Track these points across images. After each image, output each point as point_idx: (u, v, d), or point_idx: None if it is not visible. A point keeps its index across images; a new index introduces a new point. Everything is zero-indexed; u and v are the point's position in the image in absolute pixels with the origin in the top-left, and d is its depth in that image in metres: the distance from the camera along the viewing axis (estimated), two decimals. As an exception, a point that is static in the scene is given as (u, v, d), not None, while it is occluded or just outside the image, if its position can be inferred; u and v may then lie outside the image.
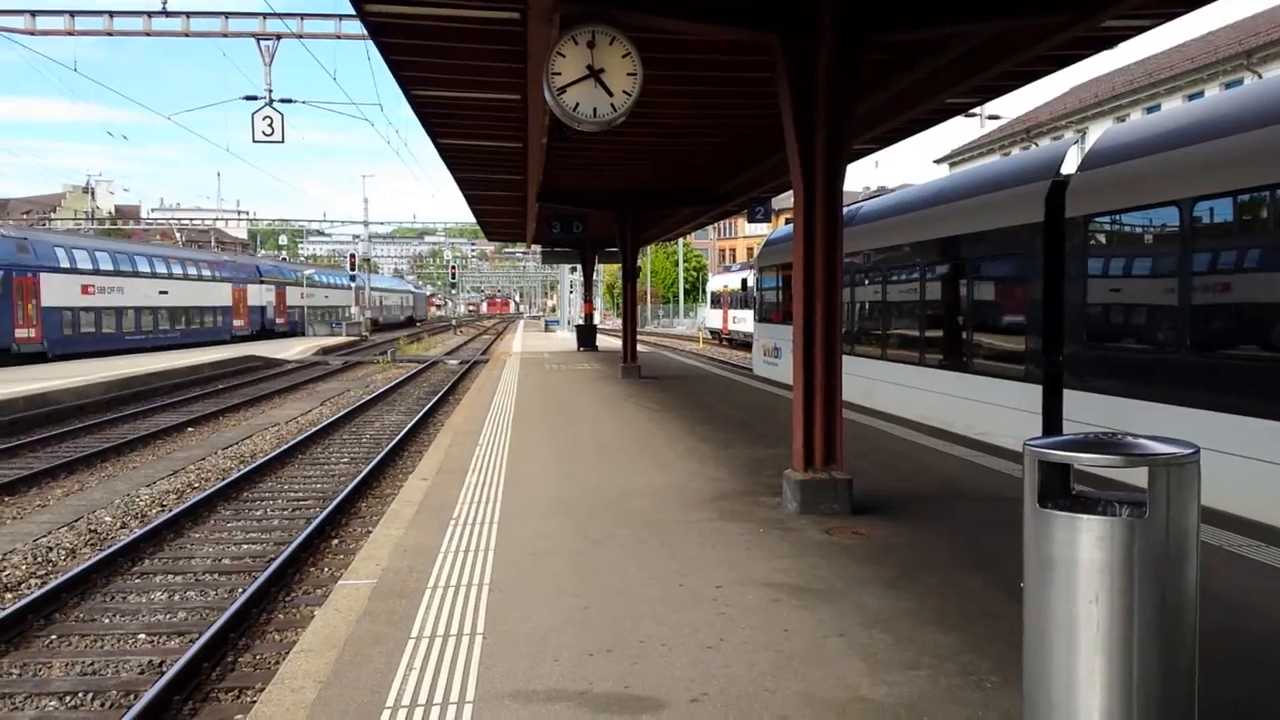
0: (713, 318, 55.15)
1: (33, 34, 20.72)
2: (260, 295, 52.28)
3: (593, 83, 7.25)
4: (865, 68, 8.05)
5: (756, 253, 27.53)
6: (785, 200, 29.62)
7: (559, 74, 7.21)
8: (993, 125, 46.38)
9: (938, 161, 59.48)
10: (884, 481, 8.93)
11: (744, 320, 39.28)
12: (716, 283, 56.11)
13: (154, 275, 40.97)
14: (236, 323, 48.78)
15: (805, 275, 7.79)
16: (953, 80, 10.23)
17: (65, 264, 34.22)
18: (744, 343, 38.86)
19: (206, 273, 46.48)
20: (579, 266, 39.88)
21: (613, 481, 9.21)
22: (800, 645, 4.85)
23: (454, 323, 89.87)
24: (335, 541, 9.85)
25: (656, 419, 13.91)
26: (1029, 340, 10.99)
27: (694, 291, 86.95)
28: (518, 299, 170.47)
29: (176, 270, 43.28)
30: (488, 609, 5.59)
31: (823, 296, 7.76)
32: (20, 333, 31.00)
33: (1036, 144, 45.27)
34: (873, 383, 15.24)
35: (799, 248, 7.81)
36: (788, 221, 38.11)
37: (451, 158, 16.94)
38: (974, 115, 36.53)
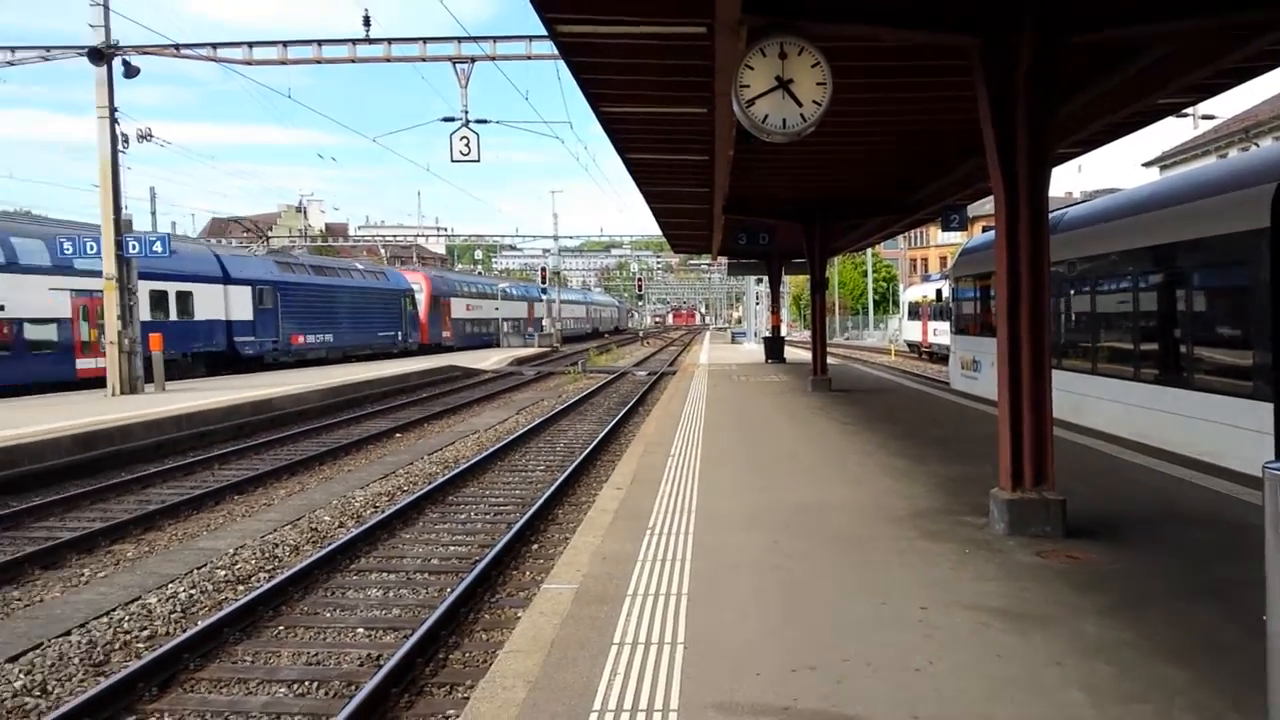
0: (910, 329, 53.43)
1: (250, 64, 22.36)
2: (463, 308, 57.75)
3: (781, 94, 7.24)
4: (1067, 69, 7.69)
5: (951, 262, 26.67)
6: (980, 207, 28.60)
7: (747, 86, 7.23)
8: (1207, 125, 43.39)
9: (1147, 165, 56.11)
10: (1098, 502, 8.48)
11: (946, 332, 38.30)
12: (914, 293, 54.39)
13: (494, 296, 62.19)
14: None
15: (1009, 285, 7.50)
16: (1162, 80, 9.65)
17: (460, 290, 54.39)
18: (943, 356, 37.57)
19: (515, 292, 67.20)
20: (765, 278, 39.66)
21: (807, 495, 9.12)
22: (1015, 672, 4.67)
23: (640, 334, 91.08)
24: (535, 546, 10.16)
25: (849, 433, 13.69)
26: (1256, 354, 10.21)
27: (883, 303, 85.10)
28: (703, 310, 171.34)
29: (504, 291, 64.20)
30: (688, 619, 5.64)
31: (1028, 307, 7.45)
32: (445, 334, 51.87)
33: (1257, 144, 42.09)
34: (1082, 398, 14.50)
35: (1001, 256, 7.54)
36: (984, 229, 36.77)
37: (639, 172, 17.22)
38: (1186, 115, 34.28)
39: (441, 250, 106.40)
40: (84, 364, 25.68)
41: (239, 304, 33.52)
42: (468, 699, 6.09)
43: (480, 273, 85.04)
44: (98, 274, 23.91)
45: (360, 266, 46.87)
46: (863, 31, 7.74)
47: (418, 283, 49.61)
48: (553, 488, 12.65)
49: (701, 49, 9.14)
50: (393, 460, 16.15)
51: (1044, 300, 7.54)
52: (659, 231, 32.57)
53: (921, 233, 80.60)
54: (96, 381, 24.60)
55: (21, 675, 6.56)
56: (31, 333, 24.26)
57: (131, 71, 22.21)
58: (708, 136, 13.05)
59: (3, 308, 23.54)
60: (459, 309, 54.50)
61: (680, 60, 9.79)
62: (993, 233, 10.94)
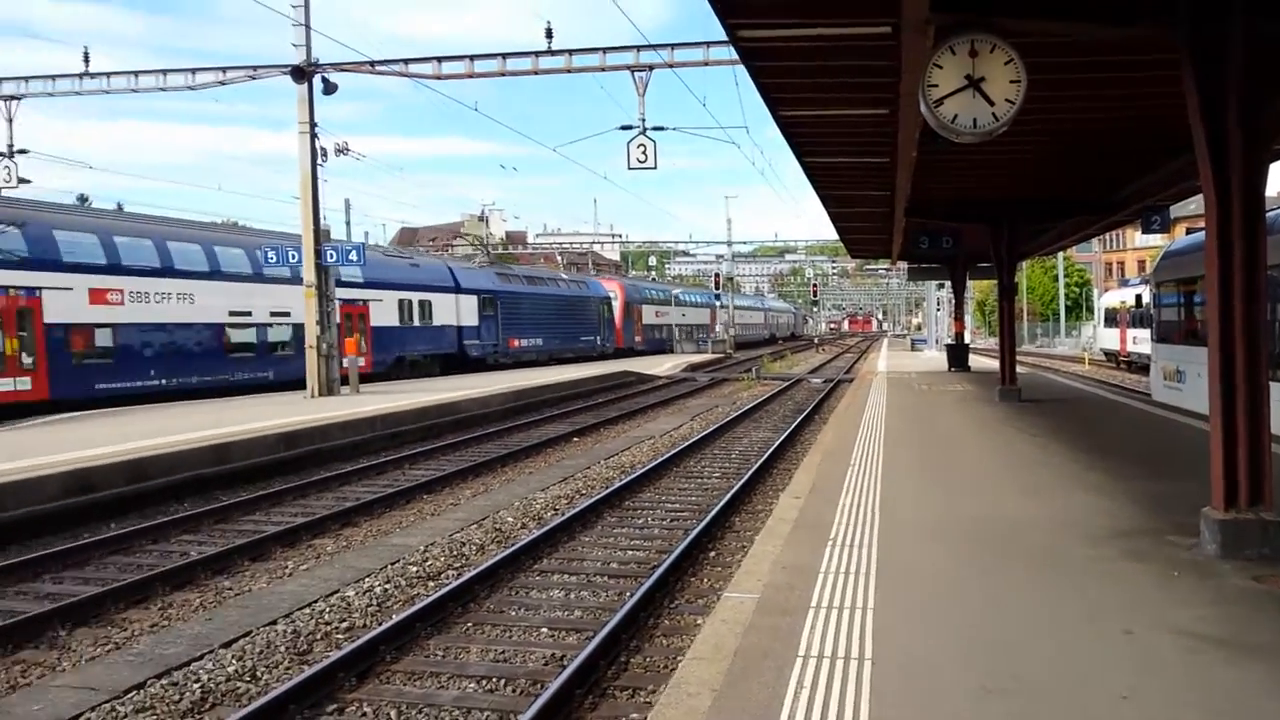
0: (1106, 337, 50.61)
1: (439, 78, 23.30)
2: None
3: (972, 92, 7.00)
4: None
5: (1151, 266, 25.14)
6: (1183, 208, 26.86)
7: (935, 85, 7.02)
8: None
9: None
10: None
11: (1145, 340, 36.14)
12: (1111, 298, 51.48)
13: (675, 303, 64.86)
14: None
15: (1221, 291, 6.99)
16: None
17: (649, 298, 58.88)
18: (1142, 365, 35.43)
19: (693, 299, 69.83)
20: (947, 283, 38.48)
21: (996, 509, 8.77)
22: (1231, 705, 4.34)
23: (815, 341, 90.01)
24: (713, 554, 10.14)
25: (1040, 445, 13.10)
26: None
27: (1075, 309, 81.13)
28: (880, 317, 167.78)
29: (678, 298, 66.37)
30: (874, 633, 5.50)
31: (1242, 313, 6.92)
32: (636, 338, 54.58)
33: None
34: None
35: (1212, 260, 7.03)
36: (1188, 231, 34.52)
37: (816, 176, 16.99)
38: None
39: (616, 257, 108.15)
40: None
41: (467, 311, 37.60)
42: (650, 703, 6.14)
43: (654, 279, 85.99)
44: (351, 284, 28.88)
45: (565, 276, 51.83)
46: (1059, 28, 7.40)
47: (613, 291, 53.43)
48: (729, 495, 12.61)
49: (885, 49, 8.94)
50: (571, 464, 16.48)
51: (1260, 306, 7.00)
52: (835, 236, 32.09)
53: (1118, 235, 76.39)
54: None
55: (234, 661, 7.01)
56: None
57: (330, 88, 23.50)
58: (890, 138, 12.76)
59: (289, 313, 26.63)
60: (648, 315, 58.03)
61: (862, 61, 9.61)
62: (1199, 235, 10.24)
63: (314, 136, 24.12)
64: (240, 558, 10.06)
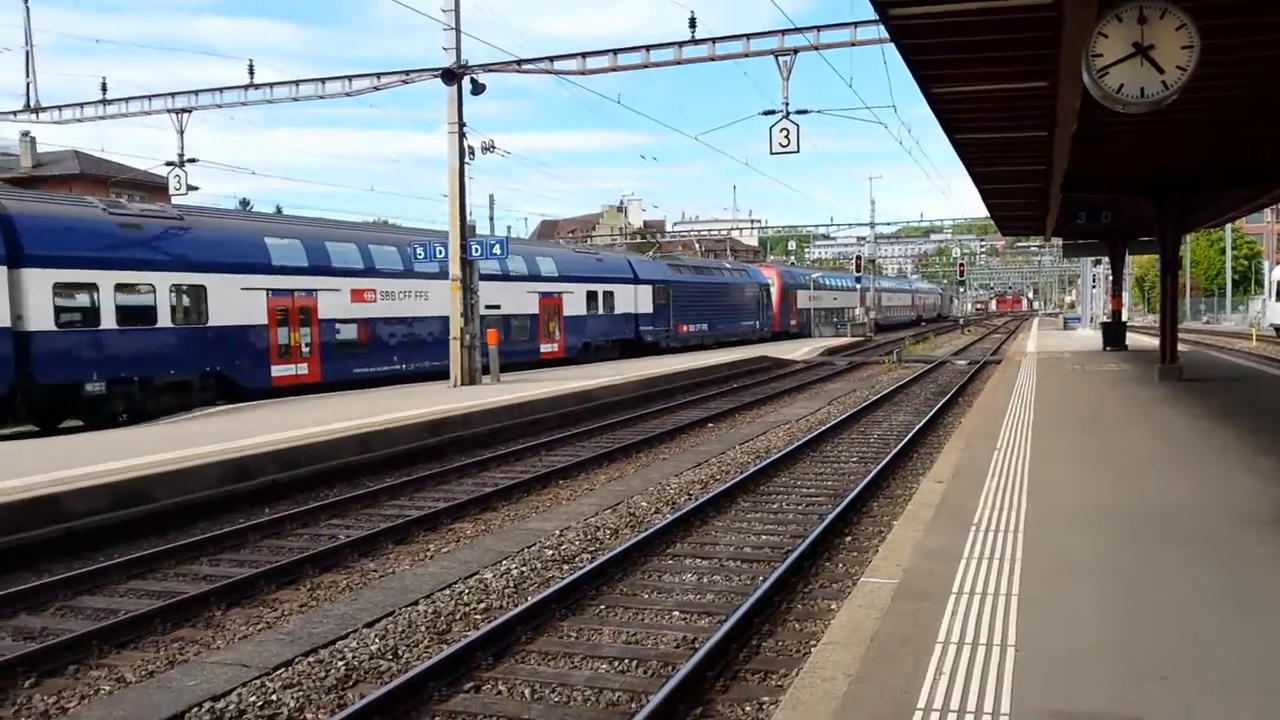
0: (1277, 312, 47.56)
1: (584, 74, 23.46)
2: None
3: (1140, 61, 6.63)
4: None
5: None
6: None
7: (1100, 55, 6.67)
8: None
9: None
10: None
11: None
12: None
13: (832, 288, 66.18)
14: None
15: None
16: None
17: (802, 283, 60.45)
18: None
19: (837, 282, 69.48)
20: (1104, 259, 36.73)
21: (1153, 495, 8.28)
22: None
23: (961, 321, 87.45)
24: (848, 539, 9.91)
25: (1202, 427, 12.34)
26: None
27: (1243, 283, 76.42)
28: (1030, 295, 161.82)
29: (818, 281, 65.23)
30: (1018, 621, 5.25)
31: None
32: (792, 322, 56.78)
33: None
34: None
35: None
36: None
37: (967, 153, 16.43)
38: None
39: (754, 242, 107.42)
40: (546, 348, 33.65)
41: (644, 300, 40.61)
42: (782, 687, 6.02)
43: (793, 263, 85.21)
44: (548, 278, 33.83)
45: (728, 265, 55.62)
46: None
47: (771, 277, 55.94)
48: (866, 480, 12.31)
49: (1044, 20, 8.57)
50: (705, 449, 16.40)
51: None
52: (985, 214, 31.03)
53: (1290, 204, 71.48)
54: (545, 363, 32.82)
55: (377, 640, 7.20)
56: (516, 324, 32.15)
57: (478, 88, 23.94)
58: (1047, 112, 12.26)
59: (499, 306, 30.57)
60: (802, 299, 60.00)
61: (1019, 34, 9.23)
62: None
63: (462, 136, 24.66)
64: (385, 541, 10.35)
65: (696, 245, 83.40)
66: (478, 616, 7.78)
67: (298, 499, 12.74)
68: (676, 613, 7.73)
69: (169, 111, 26.49)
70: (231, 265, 22.86)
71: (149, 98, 26.58)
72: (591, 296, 36.73)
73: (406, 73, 24.69)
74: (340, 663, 6.72)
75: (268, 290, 23.72)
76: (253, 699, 6.08)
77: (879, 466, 13.21)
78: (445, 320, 25.86)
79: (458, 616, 7.78)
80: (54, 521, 10.18)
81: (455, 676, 6.36)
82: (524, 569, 9.06)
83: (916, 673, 4.59)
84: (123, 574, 9.23)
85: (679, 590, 8.33)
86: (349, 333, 25.85)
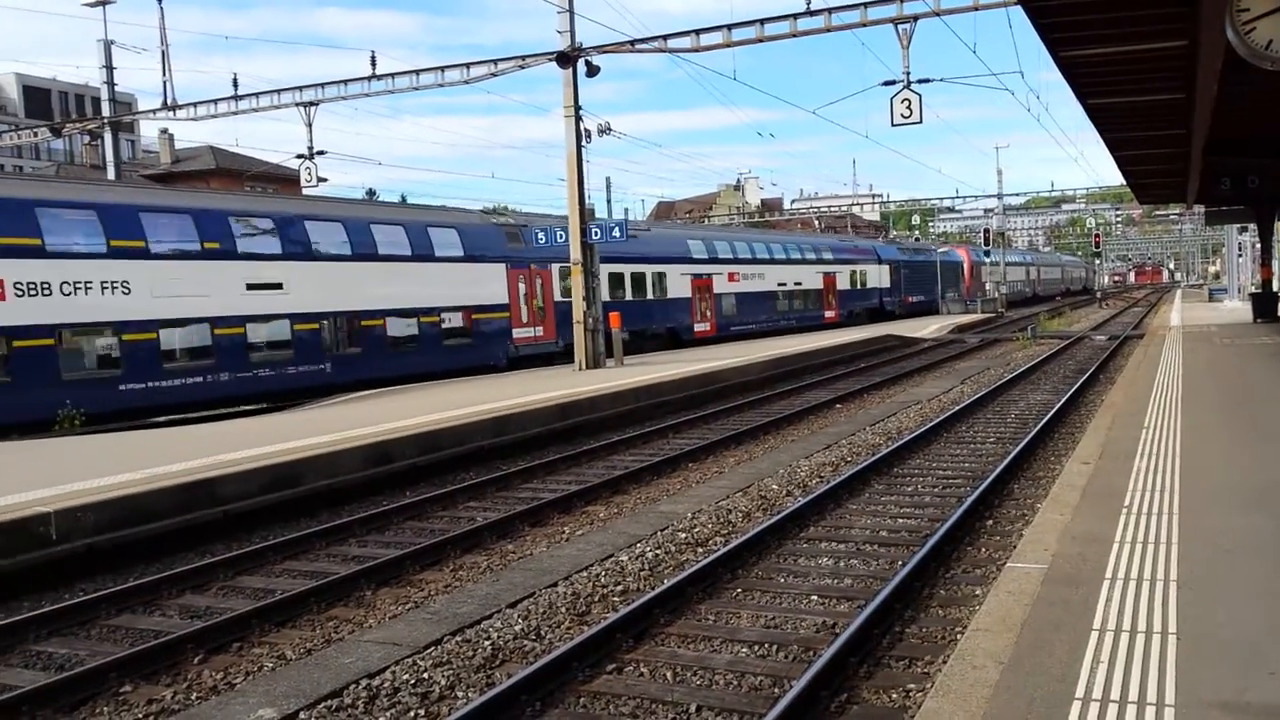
0: None
1: (697, 50, 23.34)
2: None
3: (1292, 13, 6.22)
4: None
5: None
6: None
7: (1245, 9, 6.32)
8: None
9: None
10: None
11: None
12: None
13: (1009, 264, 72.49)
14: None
15: None
16: None
17: (984, 261, 66.39)
18: None
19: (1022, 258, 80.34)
20: (1250, 226, 34.79)
21: (1322, 473, 7.83)
22: None
23: (1098, 295, 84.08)
24: (990, 522, 9.68)
25: (1372, 401, 11.60)
26: None
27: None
28: (1171, 266, 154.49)
29: (1009, 258, 72.67)
30: (1179, 607, 5.05)
31: None
32: (979, 295, 61.08)
33: None
34: None
35: None
36: None
37: (1101, 118, 15.82)
38: None
39: (875, 217, 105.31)
40: (827, 314, 45.49)
41: (885, 277, 52.09)
42: (927, 674, 5.94)
43: (917, 239, 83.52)
44: (825, 261, 46.20)
45: (933, 247, 67.08)
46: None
47: (962, 256, 65.50)
48: (1006, 461, 11.99)
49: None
50: (834, 431, 16.22)
51: None
52: (1120, 181, 29.79)
53: None
54: (825, 326, 43.90)
55: (520, 620, 7.37)
56: (811, 296, 45.08)
57: (593, 70, 24.09)
58: (1185, 72, 11.70)
59: (800, 282, 43.92)
60: (983, 274, 66.83)
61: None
62: None
63: (578, 119, 24.86)
64: (521, 523, 10.58)
65: (816, 222, 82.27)
66: (615, 599, 7.89)
67: (436, 482, 13.13)
68: (814, 597, 7.68)
69: (297, 105, 27.43)
70: (674, 259, 35.54)
71: (278, 92, 27.58)
72: (853, 275, 48.91)
73: (523, 58, 24.98)
74: (486, 642, 6.90)
75: (691, 275, 36.23)
76: (405, 677, 6.31)
77: (1019, 447, 12.84)
78: (773, 294, 41.54)
79: (596, 598, 7.90)
80: (213, 504, 10.73)
81: (598, 658, 6.46)
82: (658, 552, 9.14)
83: (1072, 660, 4.46)
84: (278, 555, 9.68)
85: (816, 574, 8.28)
86: (729, 302, 38.55)
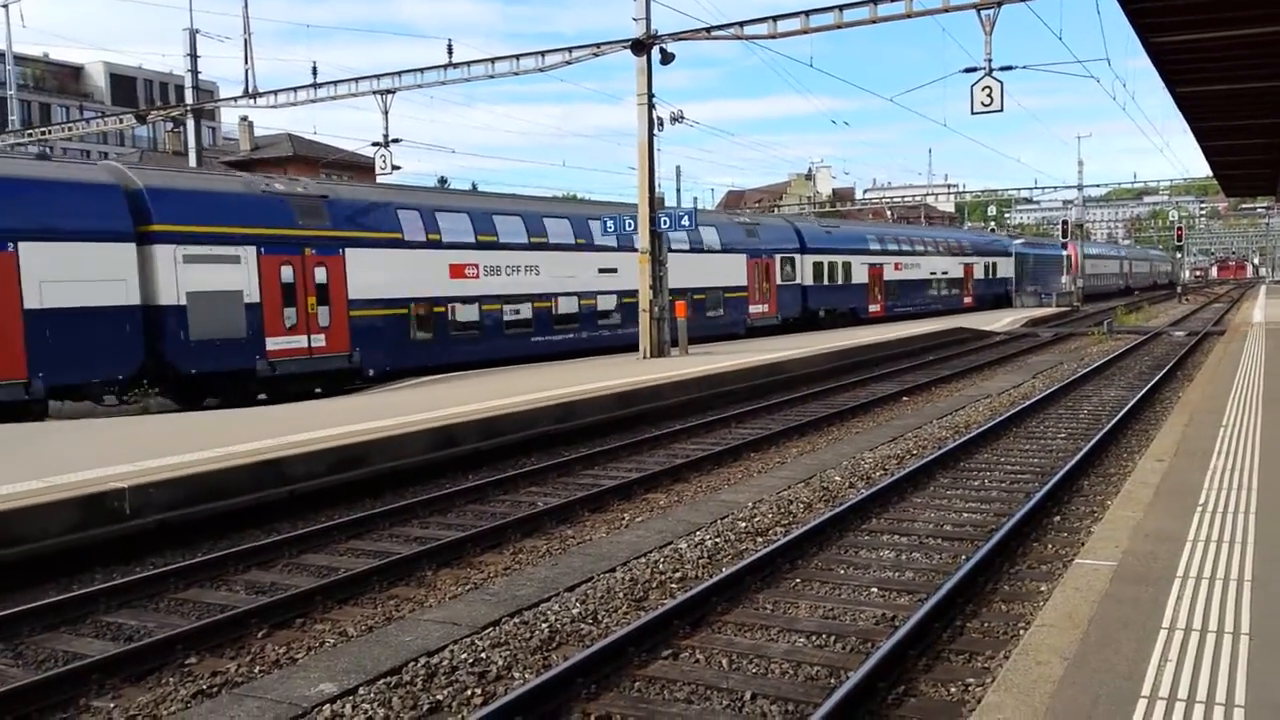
0: None
1: (774, 37, 23.09)
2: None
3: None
4: None
5: None
6: None
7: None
8: None
9: None
10: None
11: None
12: None
13: (1107, 258, 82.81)
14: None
15: None
16: None
17: (1089, 254, 70.73)
18: None
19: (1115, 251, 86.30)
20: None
21: None
22: None
23: (1178, 290, 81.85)
24: (1058, 519, 9.46)
25: None
26: None
27: None
28: (1255, 261, 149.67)
29: (1106, 252, 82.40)
30: (1252, 607, 4.89)
31: None
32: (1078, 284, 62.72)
33: None
34: None
35: None
36: None
37: (1190, 107, 15.36)
38: None
39: (950, 208, 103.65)
40: (965, 300, 50.83)
41: (1011, 268, 58.53)
42: (988, 669, 5.83)
43: (993, 229, 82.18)
44: (962, 254, 52.19)
45: (1047, 240, 69.08)
46: None
47: (1070, 251, 65.18)
48: (1077, 457, 11.72)
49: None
50: (900, 424, 15.99)
51: None
52: (1205, 173, 28.94)
53: None
54: (962, 310, 49.18)
55: (578, 604, 7.39)
56: (953, 283, 51.12)
57: (667, 58, 23.95)
58: (1280, 59, 11.29)
59: (947, 272, 50.64)
60: (1088, 267, 68.94)
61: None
62: None
63: (651, 107, 24.76)
64: (581, 509, 10.61)
65: (888, 213, 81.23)
66: (674, 585, 7.87)
67: (498, 466, 13.22)
68: (875, 589, 7.58)
69: (374, 93, 27.78)
70: (858, 250, 42.09)
71: (355, 80, 27.95)
72: (987, 267, 55.27)
73: (597, 45, 24.94)
74: (544, 625, 6.93)
75: (868, 264, 42.65)
76: (464, 656, 6.36)
77: (1090, 444, 12.54)
78: (926, 281, 48.09)
79: (654, 584, 7.89)
80: (280, 484, 10.93)
81: (654, 643, 6.45)
82: (717, 540, 9.09)
83: (1139, 659, 4.33)
84: (342, 534, 9.83)
85: (877, 567, 8.17)
86: (894, 288, 44.86)
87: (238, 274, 19.93)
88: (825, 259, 39.93)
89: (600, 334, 28.27)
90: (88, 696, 6.09)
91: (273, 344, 20.44)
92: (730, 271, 34.10)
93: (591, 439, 15.12)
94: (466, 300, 24.40)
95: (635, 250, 25.20)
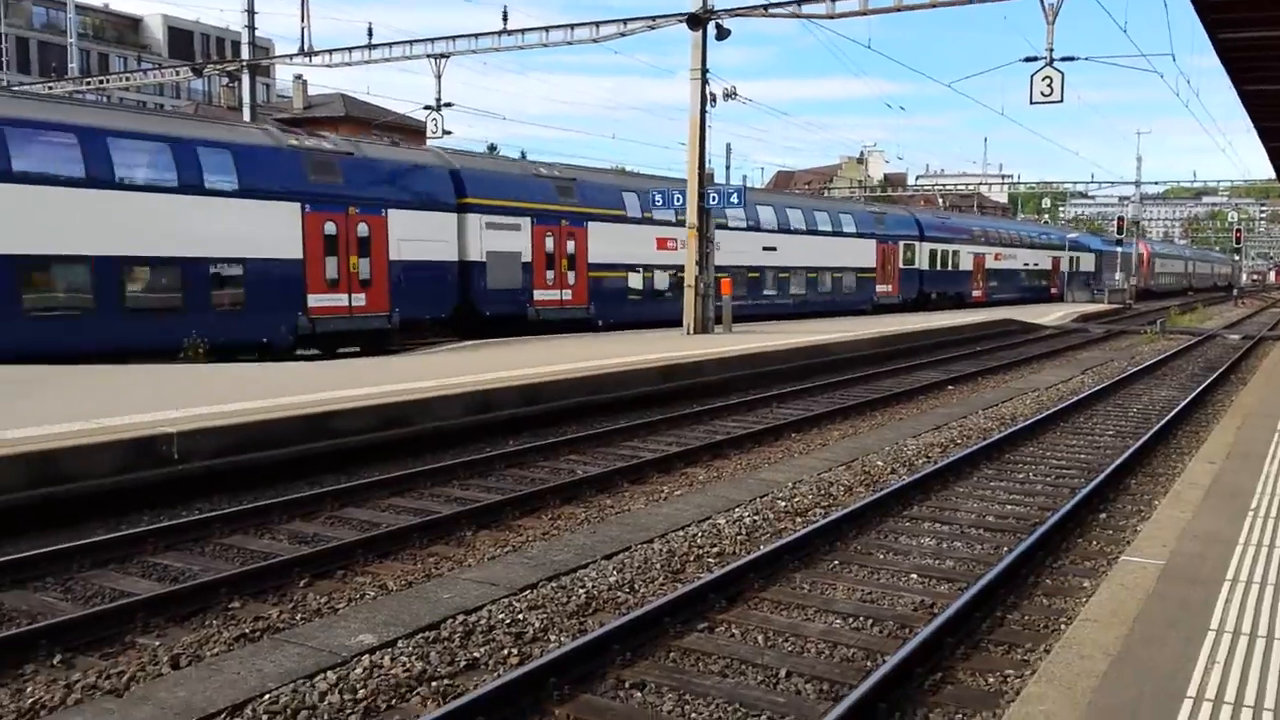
0: None
1: (832, 17, 22.81)
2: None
3: None
4: None
5: None
6: None
7: None
8: None
9: None
10: None
11: None
12: None
13: (1179, 258, 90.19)
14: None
15: None
16: None
17: (1158, 252, 77.95)
18: None
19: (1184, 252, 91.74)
20: None
21: None
22: None
23: (1235, 292, 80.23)
24: (1103, 516, 9.33)
25: None
26: None
27: None
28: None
29: (1178, 253, 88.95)
30: (1307, 616, 4.78)
31: None
32: (1151, 282, 70.02)
33: None
34: None
35: None
36: None
37: (1256, 105, 15.04)
38: None
39: (1003, 199, 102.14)
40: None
41: (1092, 263, 62.64)
42: (1027, 661, 5.78)
43: (1047, 223, 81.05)
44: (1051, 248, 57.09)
45: (1120, 239, 69.35)
46: None
47: (1143, 250, 71.00)
48: (1125, 455, 11.53)
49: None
50: (945, 412, 15.84)
51: None
52: (1269, 174, 28.28)
53: None
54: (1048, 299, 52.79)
55: (614, 572, 7.42)
56: (1040, 273, 56.57)
57: (723, 33, 23.76)
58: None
59: (1038, 263, 55.65)
60: (1157, 265, 74.52)
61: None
62: None
63: (704, 82, 24.58)
64: (620, 479, 10.62)
65: (940, 200, 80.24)
66: (710, 560, 7.87)
67: (538, 433, 13.28)
68: (914, 575, 7.53)
69: (428, 56, 27.82)
70: (966, 240, 47.04)
71: (410, 43, 28.01)
72: (1071, 260, 59.73)
73: (653, 18, 24.79)
74: (581, 590, 6.97)
75: (973, 253, 46.83)
76: (501, 616, 6.41)
77: (1139, 442, 12.34)
78: (1019, 271, 52.06)
79: (691, 558, 7.90)
80: (325, 438, 11.06)
81: (689, 615, 6.46)
82: (756, 518, 9.08)
83: (1185, 659, 4.27)
84: (384, 490, 9.93)
85: (917, 553, 8.12)
86: (994, 276, 49.06)
87: (519, 239, 25.35)
88: (940, 247, 44.45)
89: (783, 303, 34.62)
90: (133, 633, 6.22)
91: (538, 295, 26.03)
92: (862, 254, 39.19)
93: (631, 411, 15.13)
94: (665, 268, 29.08)
95: (792, 233, 34.10)
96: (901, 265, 41.57)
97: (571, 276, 26.77)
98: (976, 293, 47.39)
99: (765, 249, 33.53)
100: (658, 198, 26.40)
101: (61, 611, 6.57)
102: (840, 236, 38.03)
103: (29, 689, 5.38)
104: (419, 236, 22.61)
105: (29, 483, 8.51)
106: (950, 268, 45.28)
